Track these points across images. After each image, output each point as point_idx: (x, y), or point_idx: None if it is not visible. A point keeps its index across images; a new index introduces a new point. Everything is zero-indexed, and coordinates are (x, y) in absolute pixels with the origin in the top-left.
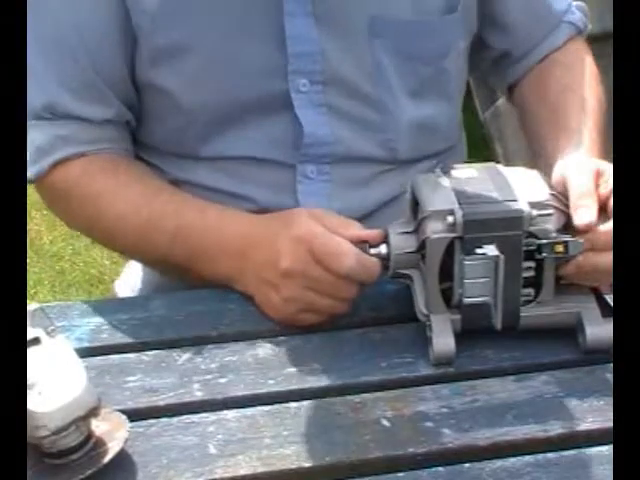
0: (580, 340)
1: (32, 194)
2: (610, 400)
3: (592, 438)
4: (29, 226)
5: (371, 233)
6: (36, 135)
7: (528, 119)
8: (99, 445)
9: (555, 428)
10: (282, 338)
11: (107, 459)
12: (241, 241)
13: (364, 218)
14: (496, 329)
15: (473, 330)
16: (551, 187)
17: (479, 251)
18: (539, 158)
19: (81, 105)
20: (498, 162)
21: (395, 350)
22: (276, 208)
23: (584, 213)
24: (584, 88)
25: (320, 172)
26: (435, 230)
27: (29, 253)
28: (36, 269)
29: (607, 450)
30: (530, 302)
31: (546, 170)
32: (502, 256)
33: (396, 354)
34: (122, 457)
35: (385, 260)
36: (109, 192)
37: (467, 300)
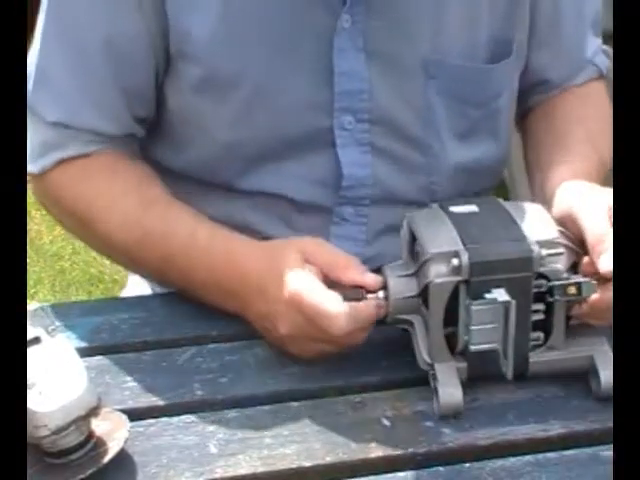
0: (594, 386)
1: (32, 194)
2: (610, 400)
3: (592, 438)
4: (29, 226)
5: (369, 279)
6: (43, 133)
7: (530, 146)
8: (99, 445)
9: (555, 428)
10: None
11: (107, 459)
12: (232, 276)
13: None
14: (507, 378)
15: (480, 378)
16: (558, 223)
17: (488, 296)
18: (536, 185)
19: (97, 120)
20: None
21: (396, 350)
22: None
23: (609, 259)
24: (593, 122)
25: (358, 214)
26: (439, 274)
27: (29, 252)
28: (36, 268)
29: (607, 450)
30: (539, 347)
31: (542, 197)
32: (513, 301)
33: (397, 354)
34: (122, 457)
35: (384, 305)
36: (102, 200)
37: (474, 347)
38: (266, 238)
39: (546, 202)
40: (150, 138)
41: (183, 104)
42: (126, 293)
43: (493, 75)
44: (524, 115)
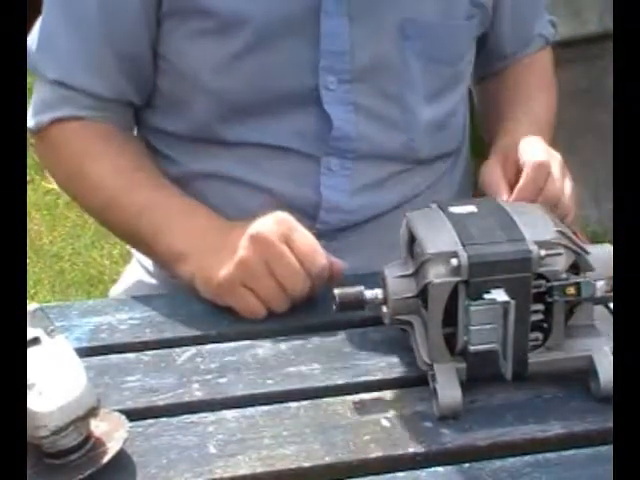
0: (593, 386)
1: (32, 194)
2: (609, 400)
3: (591, 438)
4: (29, 226)
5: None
6: (44, 91)
7: (479, 110)
8: (98, 445)
9: (554, 428)
10: (282, 338)
11: (106, 459)
12: (209, 224)
13: (383, 216)
14: (506, 379)
15: (479, 379)
16: (556, 223)
17: (487, 296)
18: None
19: (91, 81)
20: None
21: (395, 350)
22: (296, 201)
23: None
24: (533, 89)
25: (343, 167)
26: (438, 274)
27: (29, 253)
28: (36, 269)
29: (607, 450)
30: (538, 347)
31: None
32: (512, 302)
33: (396, 354)
34: (121, 457)
35: (382, 305)
36: (97, 152)
37: (473, 348)
38: (257, 189)
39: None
40: (147, 106)
41: (177, 54)
42: (116, 289)
43: (462, 33)
44: (480, 81)
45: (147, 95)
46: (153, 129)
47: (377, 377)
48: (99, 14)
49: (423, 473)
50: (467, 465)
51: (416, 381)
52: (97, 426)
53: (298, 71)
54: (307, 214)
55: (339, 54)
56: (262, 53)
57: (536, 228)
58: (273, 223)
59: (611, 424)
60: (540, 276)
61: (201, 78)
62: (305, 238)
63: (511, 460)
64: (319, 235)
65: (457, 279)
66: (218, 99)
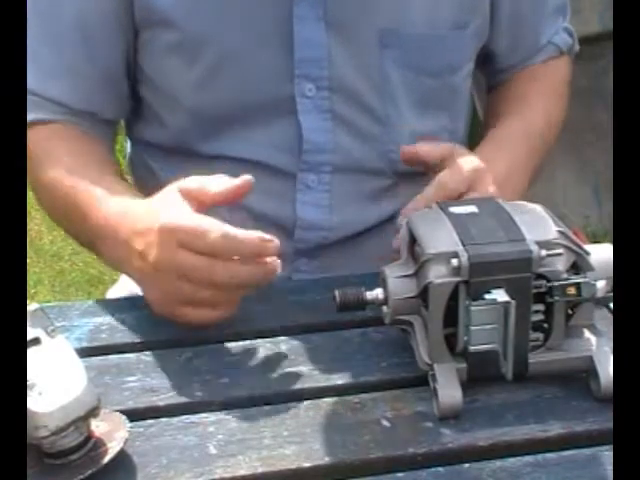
0: (593, 386)
1: (32, 194)
2: (610, 400)
3: (592, 438)
4: (29, 226)
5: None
6: None
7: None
8: (99, 445)
9: (555, 428)
10: (282, 338)
11: (107, 459)
12: (123, 221)
13: (365, 233)
14: (507, 379)
15: (480, 379)
16: (557, 223)
17: (488, 297)
18: None
19: (63, 92)
20: None
21: (395, 350)
22: (273, 218)
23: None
24: (531, 95)
25: (320, 182)
26: (438, 274)
27: (29, 253)
28: (36, 269)
29: (607, 450)
30: (539, 347)
31: None
32: (513, 302)
33: (396, 354)
34: (122, 457)
35: (382, 305)
36: (56, 156)
37: (473, 348)
38: (239, 210)
39: None
40: (135, 115)
41: (153, 68)
42: (114, 291)
43: (447, 44)
44: (488, 91)
45: (121, 111)
46: (143, 142)
47: (377, 377)
48: (76, 25)
49: (423, 473)
50: (467, 465)
51: (416, 381)
52: (97, 426)
53: (273, 81)
54: (285, 232)
55: (315, 61)
56: (234, 68)
57: (536, 228)
58: (162, 233)
59: (611, 424)
60: (540, 276)
61: (176, 95)
62: (187, 228)
63: (511, 460)
64: (299, 253)
65: (457, 279)
66: (194, 114)
